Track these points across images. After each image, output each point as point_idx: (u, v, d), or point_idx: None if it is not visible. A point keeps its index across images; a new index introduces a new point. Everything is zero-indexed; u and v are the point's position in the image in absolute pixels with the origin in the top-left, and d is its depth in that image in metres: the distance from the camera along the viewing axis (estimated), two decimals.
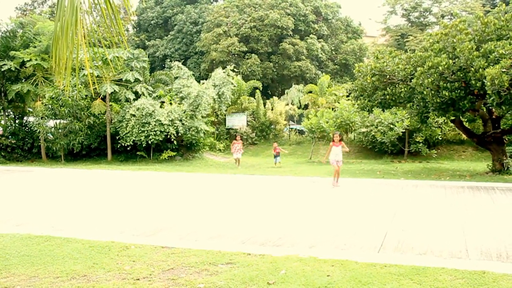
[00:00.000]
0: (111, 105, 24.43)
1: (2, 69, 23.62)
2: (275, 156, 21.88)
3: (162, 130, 23.05)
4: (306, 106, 34.22)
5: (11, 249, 6.57)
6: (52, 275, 5.39)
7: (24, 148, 25.42)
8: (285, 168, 20.04)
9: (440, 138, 23.73)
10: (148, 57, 33.04)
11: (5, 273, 5.49)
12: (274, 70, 40.84)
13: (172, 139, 23.67)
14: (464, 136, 22.62)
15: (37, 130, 24.22)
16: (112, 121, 24.30)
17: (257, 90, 32.56)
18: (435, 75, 13.95)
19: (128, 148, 23.97)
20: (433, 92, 14.17)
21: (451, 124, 21.34)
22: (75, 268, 5.63)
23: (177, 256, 6.15)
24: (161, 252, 6.37)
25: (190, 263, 5.78)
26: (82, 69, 22.13)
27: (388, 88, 16.03)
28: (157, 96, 25.17)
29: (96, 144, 24.82)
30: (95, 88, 23.58)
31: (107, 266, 5.73)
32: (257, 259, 5.93)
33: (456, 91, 13.85)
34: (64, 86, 22.39)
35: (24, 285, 5.08)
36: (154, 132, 22.90)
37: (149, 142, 23.19)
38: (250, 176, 16.74)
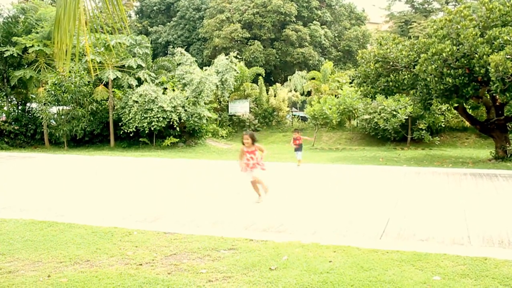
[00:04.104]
0: (113, 91, 24.41)
1: (5, 55, 23.58)
2: (297, 149, 15.56)
3: (165, 117, 23.03)
4: (309, 93, 34.10)
5: (14, 234, 6.61)
6: (56, 260, 5.42)
7: (27, 134, 25.47)
8: (287, 155, 20.02)
9: (443, 125, 23.67)
10: (151, 43, 32.92)
11: (9, 258, 5.53)
12: (277, 57, 40.66)
13: (175, 126, 23.67)
14: (467, 123, 22.54)
15: (40, 116, 24.23)
16: (115, 108, 24.29)
17: (260, 77, 32.44)
18: (438, 61, 13.87)
19: (131, 135, 24.00)
20: (436, 79, 14.10)
21: (454, 111, 21.27)
22: (78, 253, 5.66)
23: (179, 241, 6.17)
24: (164, 238, 6.40)
25: (192, 249, 5.81)
26: (85, 55, 22.08)
27: (391, 75, 15.96)
28: (159, 82, 25.13)
29: (99, 130, 24.86)
30: (97, 75, 23.54)
31: (110, 251, 5.76)
32: (259, 245, 5.95)
33: (459, 78, 13.77)
34: (69, 72, 22.45)
35: (28, 269, 5.11)
36: (157, 119, 22.89)
37: (152, 129, 23.18)
38: None
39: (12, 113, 25.96)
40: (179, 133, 24.55)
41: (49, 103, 23.82)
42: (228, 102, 31.03)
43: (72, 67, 22.52)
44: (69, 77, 22.95)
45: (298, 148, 15.48)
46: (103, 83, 24.22)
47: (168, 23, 47.05)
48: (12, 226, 7.07)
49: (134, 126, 23.24)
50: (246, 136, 8.90)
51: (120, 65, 24.42)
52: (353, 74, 20.91)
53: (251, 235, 6.51)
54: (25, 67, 24.86)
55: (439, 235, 6.50)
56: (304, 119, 32.28)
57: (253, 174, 8.96)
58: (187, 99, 23.98)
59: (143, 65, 25.06)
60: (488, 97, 15.92)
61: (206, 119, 25.02)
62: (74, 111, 23.70)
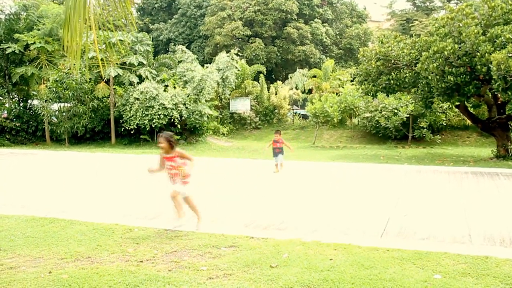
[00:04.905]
0: (114, 88, 24.41)
1: (6, 52, 23.60)
2: (276, 153, 13.42)
3: (166, 114, 23.03)
4: (310, 91, 34.08)
5: (16, 230, 6.61)
6: (57, 256, 5.42)
7: (28, 131, 25.49)
8: (287, 153, 19.95)
9: (444, 124, 23.66)
10: (152, 40, 32.86)
11: (11, 254, 5.53)
12: (278, 55, 40.61)
13: (176, 123, 23.67)
14: (468, 122, 22.54)
15: (41, 113, 24.26)
16: (116, 105, 24.30)
17: (261, 75, 32.44)
18: (440, 60, 13.85)
19: (132, 132, 24.00)
20: (438, 77, 14.08)
21: (456, 110, 21.26)
22: (79, 250, 5.66)
23: (180, 239, 6.18)
24: (164, 235, 6.40)
25: (193, 246, 5.81)
26: (85, 52, 22.04)
27: (392, 73, 15.94)
28: (160, 79, 25.12)
29: (100, 127, 24.87)
30: (99, 71, 23.55)
31: (110, 248, 5.76)
32: (260, 243, 5.95)
33: (461, 76, 13.75)
34: (69, 69, 22.49)
35: (29, 265, 5.12)
36: (158, 116, 22.89)
37: (153, 126, 23.19)
38: (252, 161, 16.75)
39: (14, 110, 25.99)
40: (180, 130, 24.55)
41: (50, 100, 23.85)
42: (229, 99, 31.03)
43: (75, 64, 22.52)
44: (71, 74, 22.97)
45: (279, 151, 13.33)
46: (104, 80, 24.22)
47: (170, 21, 46.97)
48: (14, 223, 7.08)
49: (135, 123, 23.25)
50: (160, 139, 6.82)
51: (122, 62, 24.42)
52: (354, 72, 20.91)
53: (252, 233, 6.51)
54: (27, 64, 24.89)
55: (440, 233, 6.49)
56: (305, 117, 32.27)
57: (175, 188, 6.92)
58: (188, 96, 23.97)
59: (144, 62, 25.06)
60: (490, 95, 15.90)
61: (207, 116, 25.01)
62: (75, 108, 23.72)
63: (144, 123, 23.03)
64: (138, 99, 23.25)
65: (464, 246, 5.86)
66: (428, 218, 7.42)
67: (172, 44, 43.00)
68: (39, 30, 24.10)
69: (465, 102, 16.97)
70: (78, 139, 25.07)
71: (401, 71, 15.78)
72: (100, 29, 4.55)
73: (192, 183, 6.96)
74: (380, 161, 16.15)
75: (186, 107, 23.74)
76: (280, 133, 13.84)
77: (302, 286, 4.46)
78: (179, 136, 24.48)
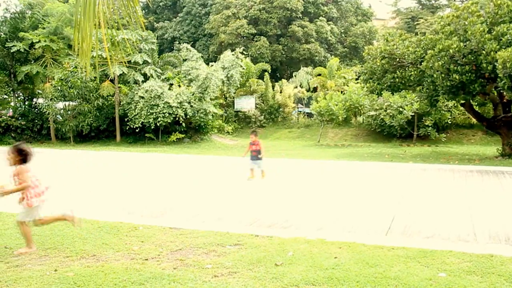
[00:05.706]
0: (119, 87, 24.46)
1: (12, 51, 23.69)
2: (253, 157, 11.65)
3: (171, 112, 23.06)
4: (315, 89, 34.03)
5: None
6: (62, 255, 5.45)
7: (33, 130, 25.60)
8: (293, 151, 20.00)
9: (450, 122, 23.57)
10: (157, 39, 32.91)
11: (17, 252, 5.56)
12: (283, 53, 40.55)
13: (181, 121, 23.70)
14: (474, 120, 22.44)
15: (46, 111, 24.35)
16: (121, 103, 24.35)
17: (266, 73, 32.41)
18: (445, 58, 13.81)
19: (137, 130, 24.05)
20: (443, 75, 14.04)
21: (461, 108, 21.18)
22: (84, 248, 5.68)
23: (185, 237, 6.19)
24: (169, 233, 6.42)
25: (198, 244, 5.82)
26: (92, 50, 22.13)
27: (397, 71, 15.90)
28: (165, 78, 25.15)
29: (105, 126, 24.93)
30: (104, 70, 23.61)
31: (116, 246, 5.78)
32: (265, 241, 5.95)
33: (466, 75, 13.71)
34: (74, 68, 22.54)
35: (35, 263, 5.14)
36: (163, 114, 22.93)
37: (158, 124, 23.23)
38: None
39: (19, 109, 26.11)
40: (184, 128, 24.58)
41: (55, 99, 23.92)
42: (234, 98, 31.03)
43: (80, 62, 22.61)
44: (76, 72, 23.04)
45: (256, 155, 11.61)
46: (109, 79, 24.28)
47: (174, 19, 46.99)
48: None
49: (140, 122, 23.29)
50: (8, 150, 5.67)
51: (127, 60, 24.46)
52: (359, 70, 20.86)
53: (257, 231, 6.52)
54: (32, 62, 24.98)
55: (444, 232, 6.48)
56: (309, 115, 32.23)
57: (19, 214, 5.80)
58: (193, 95, 23.99)
59: (149, 61, 25.10)
60: (495, 94, 15.83)
61: (212, 115, 25.02)
62: (80, 106, 23.79)
63: (149, 121, 23.07)
64: (143, 97, 23.29)
65: (469, 245, 5.85)
66: (433, 216, 7.41)
67: (177, 42, 43.01)
68: (44, 28, 24.17)
69: (471, 101, 16.90)
70: (83, 137, 25.15)
71: (406, 69, 15.74)
72: (108, 28, 4.57)
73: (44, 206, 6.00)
74: (385, 160, 16.12)
75: (191, 106, 23.76)
76: (256, 134, 11.95)
77: (307, 284, 4.47)
78: (184, 135, 24.51)
